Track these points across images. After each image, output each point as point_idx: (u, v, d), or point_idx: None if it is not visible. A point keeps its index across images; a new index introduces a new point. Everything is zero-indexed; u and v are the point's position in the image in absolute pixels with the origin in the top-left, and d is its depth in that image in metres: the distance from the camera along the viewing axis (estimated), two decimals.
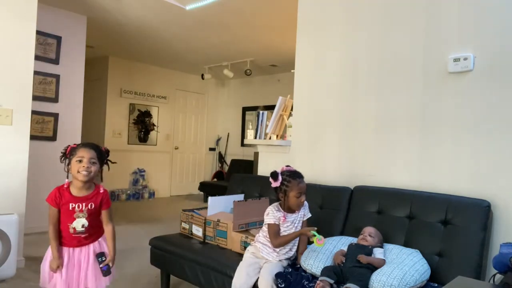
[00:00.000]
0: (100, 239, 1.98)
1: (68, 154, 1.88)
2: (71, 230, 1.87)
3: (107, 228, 1.99)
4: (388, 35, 2.47)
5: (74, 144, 1.94)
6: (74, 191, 1.88)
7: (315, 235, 1.82)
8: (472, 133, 2.08)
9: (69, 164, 1.87)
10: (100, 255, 1.93)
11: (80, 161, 1.84)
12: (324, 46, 2.84)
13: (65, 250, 1.90)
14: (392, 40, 2.45)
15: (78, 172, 1.83)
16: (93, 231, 1.94)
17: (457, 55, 2.13)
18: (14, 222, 2.76)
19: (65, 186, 1.89)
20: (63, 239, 1.90)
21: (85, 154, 1.84)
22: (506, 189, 1.95)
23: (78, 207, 1.87)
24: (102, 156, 1.93)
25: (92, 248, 1.94)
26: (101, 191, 1.95)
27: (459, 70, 2.12)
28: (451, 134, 2.16)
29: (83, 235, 1.90)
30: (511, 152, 1.95)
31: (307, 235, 1.92)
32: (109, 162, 1.98)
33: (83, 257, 1.92)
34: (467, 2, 2.14)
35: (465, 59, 2.09)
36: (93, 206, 1.90)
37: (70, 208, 1.86)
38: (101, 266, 1.92)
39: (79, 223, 1.87)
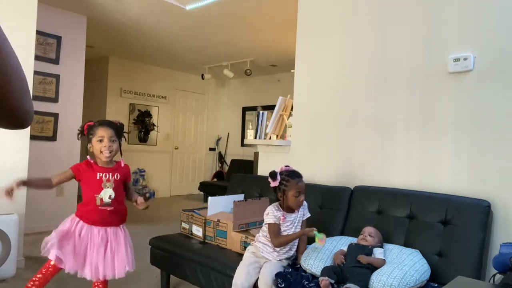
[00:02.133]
0: (123, 226, 2.01)
1: (86, 132, 1.97)
2: (98, 201, 1.91)
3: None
4: (388, 35, 2.47)
5: (90, 122, 2.00)
6: (100, 164, 1.98)
7: (316, 235, 1.83)
8: (472, 133, 2.08)
9: (89, 143, 1.96)
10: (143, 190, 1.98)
11: (101, 140, 1.92)
12: (324, 46, 2.84)
13: (83, 225, 1.91)
14: (392, 40, 2.45)
15: (101, 152, 1.93)
16: (118, 208, 1.96)
17: (457, 55, 2.13)
18: (14, 222, 2.76)
19: (92, 161, 1.98)
20: (87, 214, 1.93)
21: (104, 134, 1.93)
22: (506, 189, 1.95)
23: (105, 176, 1.94)
24: (119, 132, 2.01)
25: (119, 232, 1.96)
26: (123, 165, 2.04)
27: (459, 70, 2.12)
28: (451, 134, 2.16)
29: (109, 208, 1.92)
30: (511, 152, 1.95)
31: (309, 235, 1.92)
32: (125, 135, 2.07)
33: (102, 238, 1.92)
34: (467, 2, 2.14)
35: (465, 59, 2.09)
36: (118, 177, 1.98)
37: (98, 178, 1.93)
38: (146, 193, 1.97)
39: (107, 193, 1.92)
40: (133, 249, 2.07)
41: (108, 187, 1.93)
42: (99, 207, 1.91)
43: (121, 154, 2.02)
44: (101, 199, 1.91)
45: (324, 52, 2.83)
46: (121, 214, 2.01)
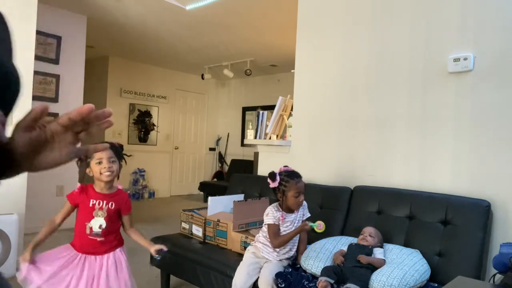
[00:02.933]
0: (119, 249, 1.90)
1: (84, 157, 1.84)
2: (88, 231, 1.80)
3: (132, 229, 1.96)
4: (388, 35, 2.47)
5: None
6: (97, 189, 1.87)
7: (312, 226, 1.84)
8: (472, 133, 2.08)
9: (88, 167, 1.84)
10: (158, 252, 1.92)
11: (100, 162, 1.81)
12: (324, 46, 2.84)
13: (75, 253, 1.81)
14: (392, 40, 2.45)
15: (101, 173, 1.81)
16: (110, 238, 1.85)
17: (457, 55, 2.13)
18: (14, 222, 2.76)
19: (87, 184, 1.87)
20: (77, 242, 1.84)
21: (103, 155, 1.81)
22: (506, 189, 1.95)
23: (99, 204, 1.83)
24: (119, 153, 1.91)
25: (109, 259, 1.84)
26: (123, 192, 1.93)
27: (459, 70, 2.12)
28: (451, 134, 2.16)
29: (99, 239, 1.81)
30: (511, 152, 1.95)
31: (306, 230, 1.92)
32: (125, 157, 1.95)
33: (97, 267, 1.81)
34: (467, 2, 2.14)
35: (465, 59, 2.09)
36: (113, 206, 1.86)
37: (90, 205, 1.82)
38: (157, 256, 1.92)
39: (97, 222, 1.81)
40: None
41: (99, 216, 1.81)
42: (89, 236, 1.81)
43: (118, 177, 1.90)
44: (91, 228, 1.80)
45: (324, 52, 2.83)
46: (115, 244, 1.90)
